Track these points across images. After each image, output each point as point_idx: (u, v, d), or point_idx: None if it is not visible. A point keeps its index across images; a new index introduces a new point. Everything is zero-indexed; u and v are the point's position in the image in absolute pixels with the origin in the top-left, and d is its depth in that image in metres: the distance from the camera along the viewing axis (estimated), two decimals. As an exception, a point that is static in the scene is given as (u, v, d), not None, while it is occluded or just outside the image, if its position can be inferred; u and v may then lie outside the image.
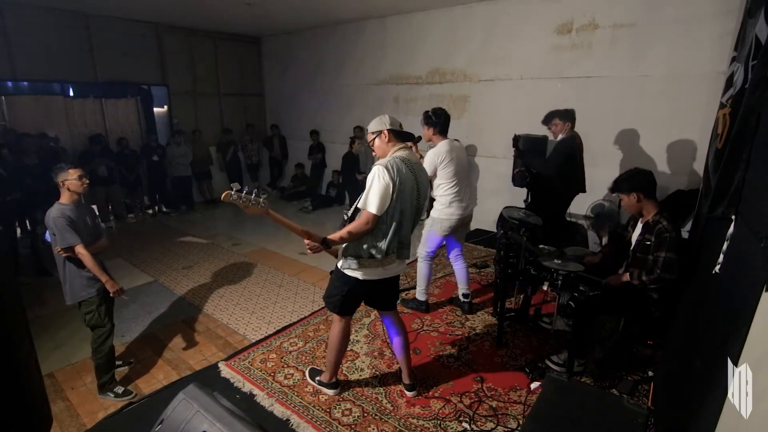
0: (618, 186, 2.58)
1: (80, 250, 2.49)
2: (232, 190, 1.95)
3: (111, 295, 2.62)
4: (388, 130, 2.23)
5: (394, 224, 2.12)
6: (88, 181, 2.61)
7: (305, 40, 7.56)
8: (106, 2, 5.54)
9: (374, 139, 2.28)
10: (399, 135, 2.27)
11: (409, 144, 2.36)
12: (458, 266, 3.52)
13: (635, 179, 2.53)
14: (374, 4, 5.68)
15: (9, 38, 5.46)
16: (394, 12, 6.10)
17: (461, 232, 3.48)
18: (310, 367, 2.82)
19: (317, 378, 2.65)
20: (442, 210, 3.23)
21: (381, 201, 2.05)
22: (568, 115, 3.74)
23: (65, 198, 2.56)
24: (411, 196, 2.17)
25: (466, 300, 3.56)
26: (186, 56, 7.40)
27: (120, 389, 2.69)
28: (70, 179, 2.53)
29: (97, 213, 6.59)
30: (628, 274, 2.55)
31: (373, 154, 2.34)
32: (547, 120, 3.82)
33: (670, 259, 2.36)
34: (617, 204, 4.34)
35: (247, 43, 8.24)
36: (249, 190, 1.98)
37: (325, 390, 2.60)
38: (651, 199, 2.53)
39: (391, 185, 2.05)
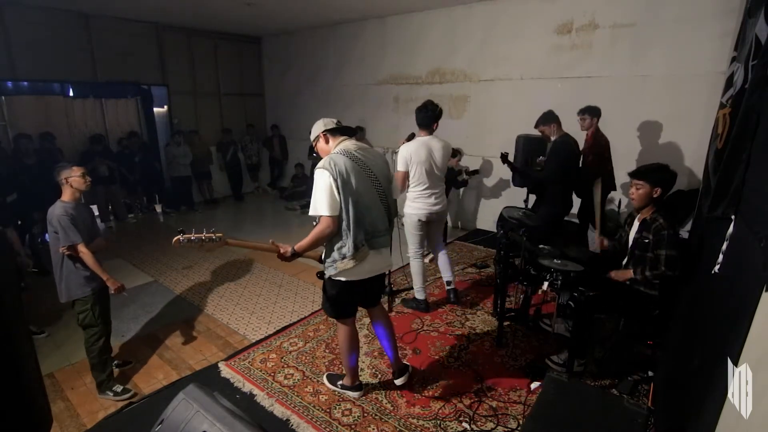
0: (646, 175, 2.47)
1: (82, 249, 2.51)
2: (180, 236, 1.95)
3: (112, 292, 2.63)
4: (323, 132, 2.24)
5: (352, 218, 2.10)
6: (90, 179, 2.62)
7: (305, 40, 7.55)
8: (106, 2, 5.54)
9: (316, 145, 2.30)
10: (336, 132, 2.27)
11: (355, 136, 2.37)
12: (440, 256, 3.64)
13: (667, 175, 2.48)
14: (374, 4, 5.68)
15: (9, 38, 5.45)
16: (394, 12, 6.10)
17: (436, 227, 3.56)
18: (327, 373, 2.77)
19: (339, 383, 2.63)
20: (408, 204, 3.38)
21: (329, 201, 2.04)
22: (547, 118, 3.73)
23: (67, 196, 2.56)
24: (363, 184, 2.13)
25: (449, 288, 3.65)
26: (186, 56, 7.40)
27: (119, 388, 2.69)
28: (74, 176, 2.54)
29: (97, 213, 6.63)
30: (632, 270, 2.55)
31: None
32: (538, 127, 3.85)
33: (672, 256, 2.37)
34: (617, 204, 4.35)
35: (247, 43, 8.23)
36: (197, 230, 1.99)
37: (349, 393, 2.58)
38: (660, 199, 2.52)
39: (332, 182, 2.04)
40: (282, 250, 2.11)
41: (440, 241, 3.69)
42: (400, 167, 3.25)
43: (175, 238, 1.94)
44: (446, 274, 3.67)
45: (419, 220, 3.37)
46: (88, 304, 2.61)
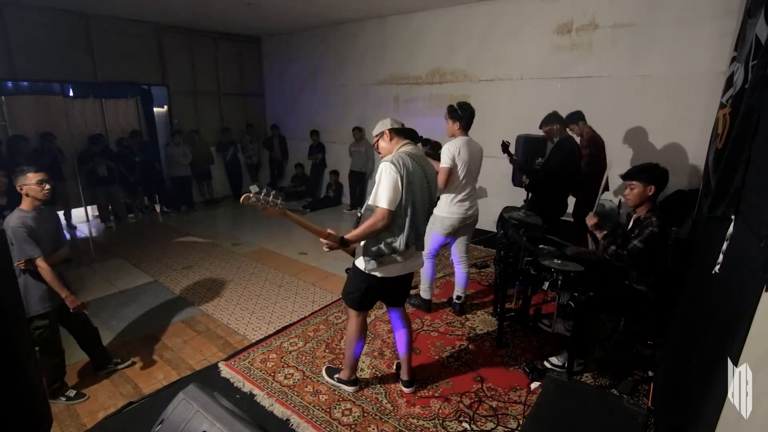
0: (638, 175, 2.51)
1: (40, 263, 2.32)
2: (250, 192, 1.99)
3: (71, 310, 2.47)
4: (389, 129, 2.30)
5: (408, 217, 2.16)
6: (49, 187, 2.38)
7: (305, 40, 7.56)
8: (106, 2, 5.54)
9: (378, 141, 2.35)
10: (401, 133, 2.32)
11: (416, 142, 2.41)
12: (459, 270, 3.51)
13: (657, 172, 2.52)
14: (374, 4, 5.68)
15: (9, 38, 5.46)
16: (394, 12, 6.10)
17: (464, 232, 3.42)
18: (326, 366, 2.82)
19: (336, 376, 2.66)
20: (444, 208, 3.25)
21: (391, 196, 2.08)
22: (550, 119, 3.74)
23: (26, 204, 2.34)
24: (421, 188, 2.21)
25: (458, 302, 3.57)
26: (186, 56, 7.40)
27: (72, 393, 2.62)
28: (29, 184, 2.30)
29: (98, 213, 6.64)
30: (604, 233, 2.64)
31: (380, 155, 2.39)
32: (542, 128, 3.85)
33: (638, 248, 2.43)
34: (617, 204, 4.35)
35: (247, 43, 8.24)
36: (267, 191, 2.02)
37: (344, 387, 2.62)
38: (655, 198, 2.54)
39: (399, 179, 2.09)
40: (331, 238, 2.15)
41: (465, 252, 3.48)
42: (447, 163, 3.09)
43: (244, 195, 1.97)
44: (459, 289, 3.54)
45: (451, 225, 3.26)
46: (46, 320, 2.45)
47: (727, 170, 1.80)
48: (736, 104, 2.05)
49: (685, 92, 4.14)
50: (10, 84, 5.90)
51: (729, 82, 2.43)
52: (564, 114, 3.81)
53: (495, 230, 5.10)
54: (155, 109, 7.34)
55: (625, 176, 2.58)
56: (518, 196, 4.69)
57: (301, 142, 8.09)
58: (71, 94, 6.51)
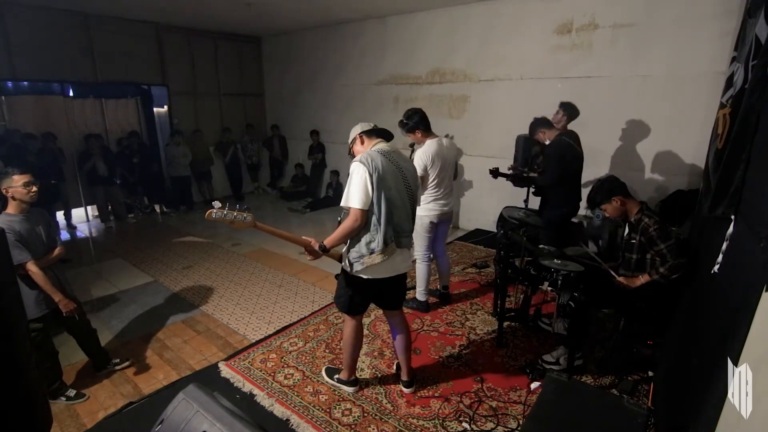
0: (595, 201, 2.62)
1: (31, 268, 2.27)
2: (213, 207, 1.97)
3: (64, 314, 2.45)
4: (359, 134, 2.31)
5: (383, 213, 2.13)
6: (36, 189, 2.33)
7: (305, 40, 7.55)
8: (106, 2, 5.54)
9: (353, 147, 2.36)
10: (373, 133, 2.33)
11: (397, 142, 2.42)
12: (442, 261, 3.68)
13: (607, 186, 2.59)
14: (374, 4, 5.67)
15: (9, 38, 5.45)
16: (394, 12, 6.10)
17: (443, 228, 3.56)
18: (326, 366, 2.83)
19: (336, 376, 2.68)
20: (422, 206, 3.30)
21: (362, 194, 2.07)
22: (534, 126, 3.70)
23: (12, 208, 2.28)
24: (396, 183, 2.18)
25: (444, 291, 3.71)
26: (186, 56, 7.39)
27: (72, 392, 2.62)
28: (15, 187, 2.24)
29: (97, 213, 6.64)
30: (646, 275, 2.52)
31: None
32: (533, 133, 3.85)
33: (671, 245, 2.40)
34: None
35: (247, 43, 8.23)
36: (231, 206, 2.01)
37: (344, 387, 2.63)
38: (630, 199, 2.57)
39: (368, 177, 2.08)
40: (310, 247, 2.15)
41: (443, 245, 3.67)
42: (420, 171, 3.12)
43: (209, 211, 1.97)
44: (444, 279, 3.75)
45: (431, 222, 3.34)
46: (41, 324, 2.43)
47: (727, 170, 1.80)
48: (736, 104, 2.05)
49: (685, 92, 4.14)
50: (10, 84, 5.90)
51: (729, 82, 2.43)
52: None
53: (495, 230, 5.11)
54: (155, 109, 7.34)
55: (592, 207, 2.69)
56: (518, 196, 4.69)
57: (301, 142, 8.09)
58: (71, 94, 6.50)
